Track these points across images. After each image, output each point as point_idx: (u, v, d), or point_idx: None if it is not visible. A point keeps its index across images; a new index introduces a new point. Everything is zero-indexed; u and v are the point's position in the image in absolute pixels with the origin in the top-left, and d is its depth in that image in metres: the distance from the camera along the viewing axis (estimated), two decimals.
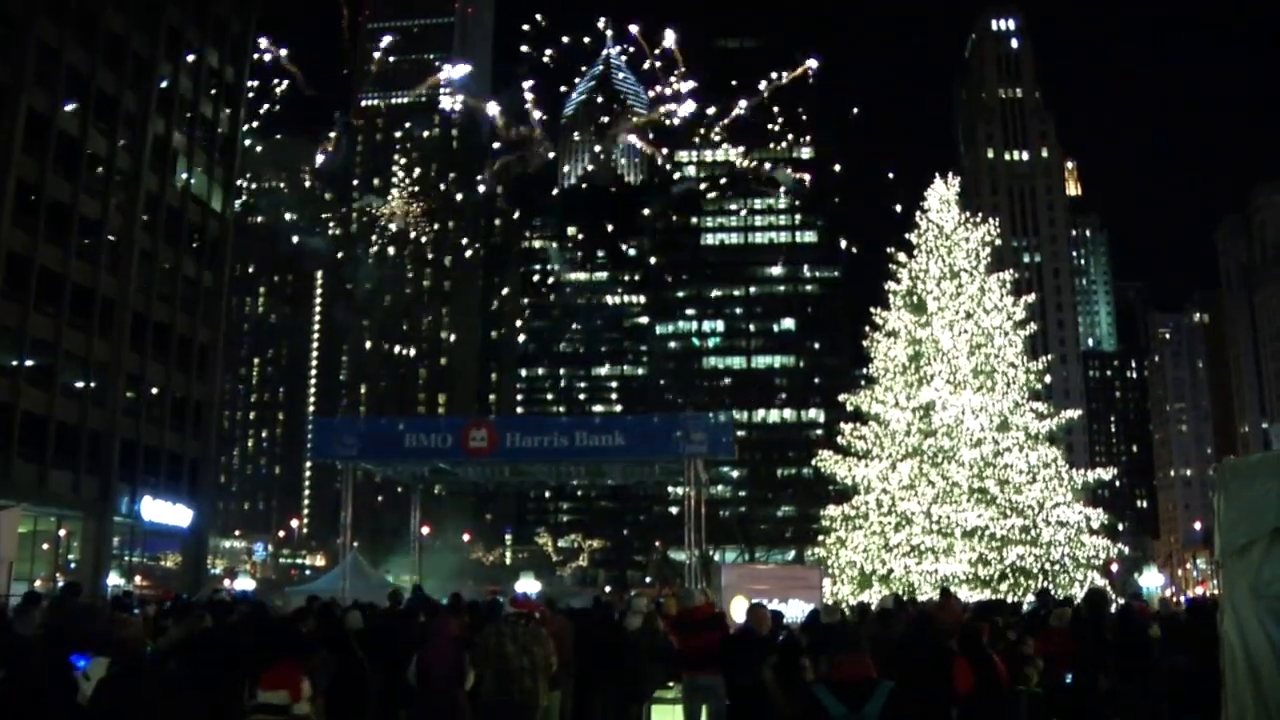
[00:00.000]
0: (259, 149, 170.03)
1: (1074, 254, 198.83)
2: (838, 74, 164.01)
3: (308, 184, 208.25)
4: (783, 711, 9.51)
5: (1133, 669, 13.94)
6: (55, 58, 51.31)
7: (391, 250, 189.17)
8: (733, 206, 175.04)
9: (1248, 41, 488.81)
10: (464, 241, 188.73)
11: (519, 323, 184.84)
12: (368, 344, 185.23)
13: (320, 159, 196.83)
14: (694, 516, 30.20)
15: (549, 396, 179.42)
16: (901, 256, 36.92)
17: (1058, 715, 13.30)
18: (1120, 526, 63.99)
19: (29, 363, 50.06)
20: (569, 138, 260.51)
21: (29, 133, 49.54)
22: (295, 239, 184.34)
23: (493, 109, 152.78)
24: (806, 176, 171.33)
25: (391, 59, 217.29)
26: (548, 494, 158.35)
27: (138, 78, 57.97)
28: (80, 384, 53.72)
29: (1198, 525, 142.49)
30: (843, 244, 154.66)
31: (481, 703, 11.22)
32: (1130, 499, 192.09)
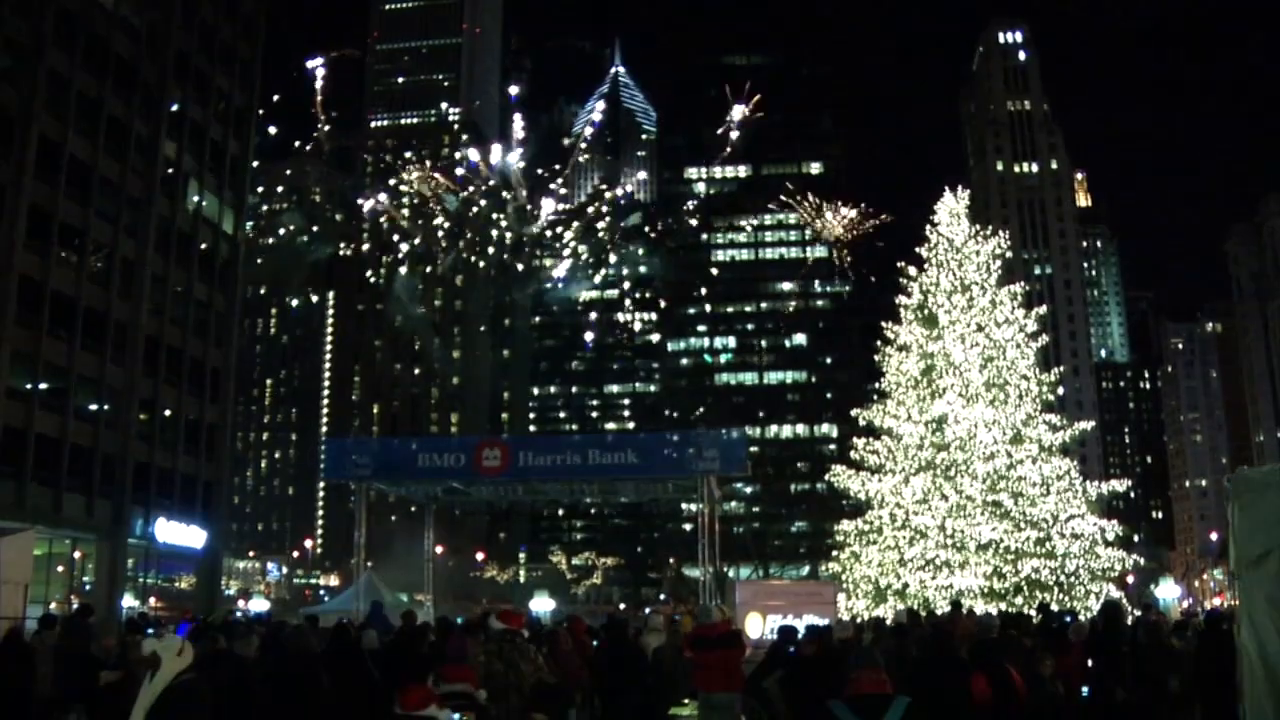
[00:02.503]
0: (269, 170, 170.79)
1: (1085, 265, 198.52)
2: (846, 87, 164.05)
3: (318, 204, 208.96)
4: None
5: (1149, 681, 13.87)
6: (65, 85, 51.66)
7: (403, 270, 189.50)
8: (743, 223, 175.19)
9: (1256, 50, 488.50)
10: (474, 260, 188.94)
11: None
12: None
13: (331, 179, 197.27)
14: (708, 533, 30.15)
15: (561, 415, 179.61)
16: (912, 270, 36.89)
17: None
18: (1135, 538, 63.81)
19: (43, 386, 50.26)
20: (577, 155, 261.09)
21: (41, 159, 49.84)
22: (307, 260, 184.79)
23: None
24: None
25: (400, 80, 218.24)
26: (561, 512, 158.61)
27: (147, 103, 58.30)
28: (93, 407, 53.89)
29: (1213, 536, 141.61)
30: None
31: None
32: (1145, 510, 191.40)
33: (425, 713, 8.21)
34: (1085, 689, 13.60)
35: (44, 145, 50.18)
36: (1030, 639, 15.14)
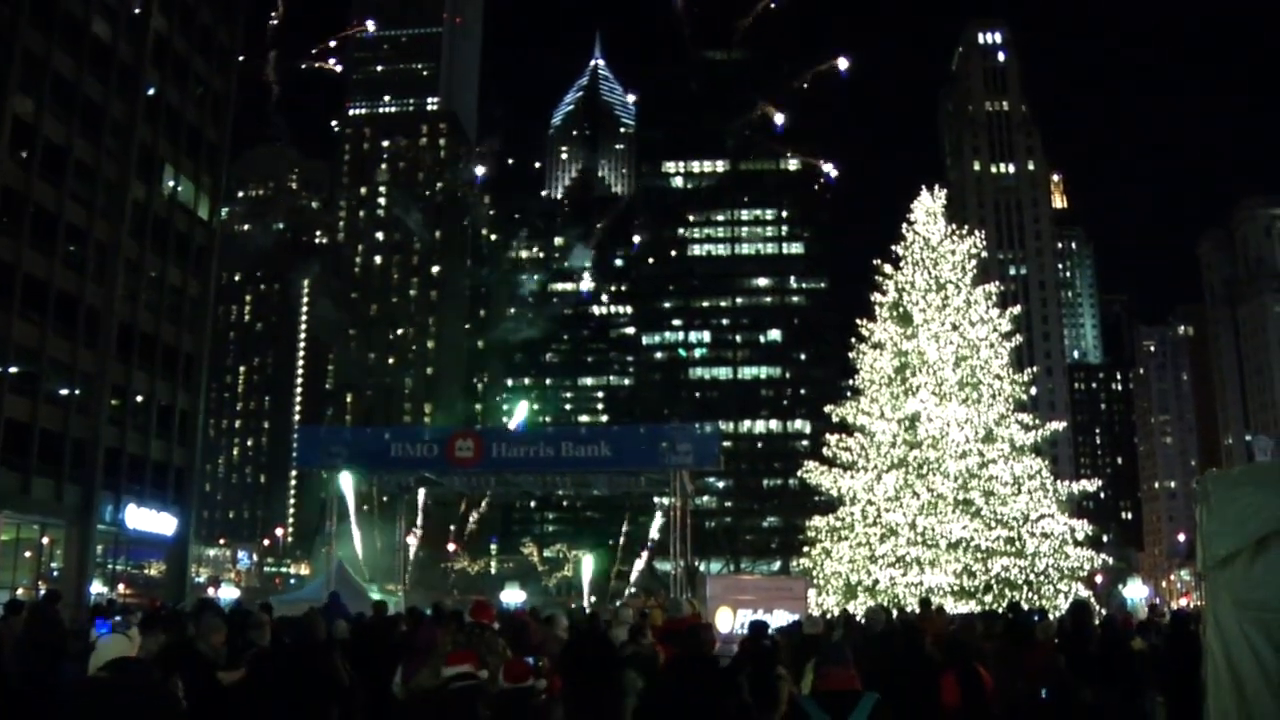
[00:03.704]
0: (246, 157, 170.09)
1: (1060, 266, 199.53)
2: (825, 86, 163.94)
3: (295, 191, 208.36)
4: None
5: (1116, 681, 13.96)
6: (41, 65, 51.17)
7: (378, 259, 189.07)
8: (720, 218, 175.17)
9: (1233, 56, 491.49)
10: (451, 250, 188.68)
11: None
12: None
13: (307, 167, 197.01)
14: (679, 527, 30.22)
15: (535, 407, 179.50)
16: (888, 268, 36.97)
17: None
18: (1104, 538, 64.09)
19: (12, 370, 49.84)
20: (556, 148, 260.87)
21: (14, 140, 49.38)
22: (281, 247, 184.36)
23: None
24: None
25: (379, 68, 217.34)
26: (533, 504, 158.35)
27: (124, 86, 57.84)
28: (64, 391, 53.49)
29: (1181, 537, 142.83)
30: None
31: None
32: (1115, 511, 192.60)
33: (463, 668, 8.50)
34: (1044, 690, 13.63)
35: (17, 126, 49.70)
36: (992, 640, 15.19)
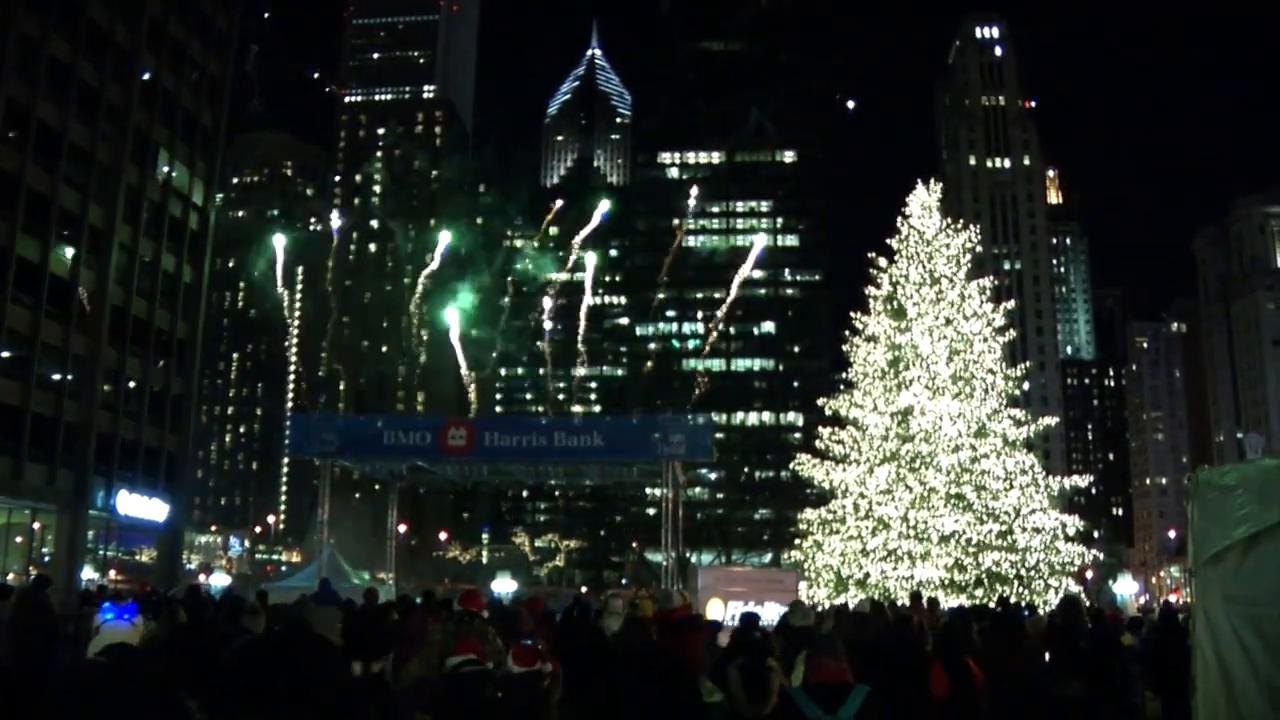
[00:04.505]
0: (242, 142, 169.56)
1: (1054, 262, 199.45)
2: (823, 76, 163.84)
3: (290, 177, 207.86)
4: (746, 714, 9.49)
5: (1106, 676, 14.00)
6: (37, 49, 51.03)
7: (372, 246, 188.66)
8: (714, 209, 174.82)
9: (1229, 52, 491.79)
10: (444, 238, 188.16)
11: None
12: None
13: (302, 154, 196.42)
14: (671, 518, 30.26)
15: (528, 396, 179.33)
16: (882, 261, 36.95)
17: None
18: (1095, 533, 64.30)
19: (5, 354, 49.77)
20: (552, 137, 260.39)
21: (9, 123, 49.28)
22: (276, 234, 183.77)
23: None
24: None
25: (376, 55, 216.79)
26: (525, 493, 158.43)
27: (120, 70, 57.68)
28: (57, 376, 53.41)
29: (1172, 533, 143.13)
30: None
31: None
32: (1106, 506, 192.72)
33: (470, 655, 8.54)
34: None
35: (12, 110, 49.58)
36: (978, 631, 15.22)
